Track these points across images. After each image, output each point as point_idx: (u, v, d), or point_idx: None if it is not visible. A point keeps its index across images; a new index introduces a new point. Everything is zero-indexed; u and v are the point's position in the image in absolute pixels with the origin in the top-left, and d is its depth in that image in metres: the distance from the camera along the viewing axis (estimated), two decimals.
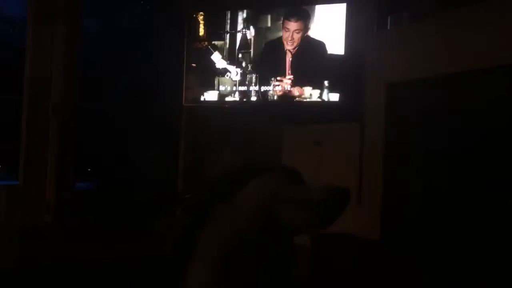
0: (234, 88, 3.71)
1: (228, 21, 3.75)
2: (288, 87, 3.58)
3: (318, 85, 3.51)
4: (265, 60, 3.66)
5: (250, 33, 3.69)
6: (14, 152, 3.46)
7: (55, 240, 1.57)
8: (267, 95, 3.64)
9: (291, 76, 3.56)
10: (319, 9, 3.47)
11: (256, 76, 3.66)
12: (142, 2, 5.02)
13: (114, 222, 1.81)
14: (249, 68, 3.67)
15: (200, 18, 3.82)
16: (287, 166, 0.97)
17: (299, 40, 3.51)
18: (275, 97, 3.63)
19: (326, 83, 3.49)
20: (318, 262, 3.13)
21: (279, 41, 3.57)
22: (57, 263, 1.31)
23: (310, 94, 3.54)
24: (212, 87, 3.76)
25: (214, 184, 0.96)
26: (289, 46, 3.53)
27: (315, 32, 3.49)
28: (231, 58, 3.72)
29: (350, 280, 2.95)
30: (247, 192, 0.89)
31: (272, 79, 3.61)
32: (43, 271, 1.26)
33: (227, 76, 3.71)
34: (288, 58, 3.56)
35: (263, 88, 3.64)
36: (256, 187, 0.90)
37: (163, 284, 1.43)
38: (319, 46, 3.46)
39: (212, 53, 3.73)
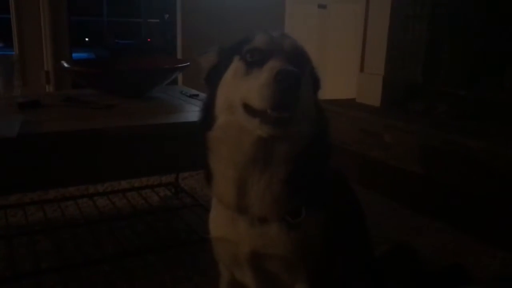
0: None
1: None
2: None
3: None
4: None
5: None
6: (7, 23, 3.34)
7: (57, 109, 1.57)
8: None
9: None
10: None
11: None
12: None
13: (115, 91, 1.79)
14: None
15: None
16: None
17: None
18: None
19: None
20: None
21: None
22: (61, 132, 1.32)
23: None
24: None
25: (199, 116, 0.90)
26: None
27: None
28: None
29: (345, 141, 3.03)
30: (217, 107, 0.84)
31: None
32: (46, 138, 1.27)
33: None
34: None
35: None
36: (221, 88, 0.85)
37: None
38: None
39: None
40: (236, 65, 0.84)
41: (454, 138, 2.44)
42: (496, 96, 2.76)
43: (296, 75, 0.74)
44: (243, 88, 0.80)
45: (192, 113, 1.60)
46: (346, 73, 3.44)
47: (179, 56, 3.83)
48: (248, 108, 0.79)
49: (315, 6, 3.73)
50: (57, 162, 1.32)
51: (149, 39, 8.49)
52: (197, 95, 1.84)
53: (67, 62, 1.91)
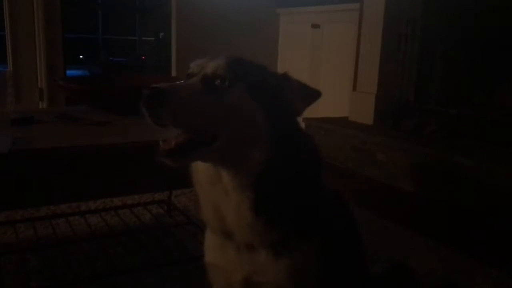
0: None
1: None
2: None
3: None
4: None
5: None
6: (2, 40, 3.34)
7: (50, 126, 1.56)
8: None
9: None
10: None
11: None
12: None
13: (108, 108, 1.79)
14: None
15: None
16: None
17: None
18: None
19: None
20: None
21: None
22: (53, 148, 1.31)
23: None
24: None
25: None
26: None
27: None
28: None
29: (337, 158, 3.05)
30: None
31: None
32: (38, 155, 1.27)
33: None
34: None
35: None
36: None
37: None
38: None
39: None
40: None
41: (445, 156, 2.45)
42: (486, 115, 2.79)
43: (158, 89, 0.78)
44: None
45: None
46: (339, 92, 3.47)
47: (173, 74, 3.85)
48: None
49: (309, 26, 3.78)
50: (49, 179, 1.32)
51: (143, 57, 8.52)
52: None
53: (60, 79, 1.92)
